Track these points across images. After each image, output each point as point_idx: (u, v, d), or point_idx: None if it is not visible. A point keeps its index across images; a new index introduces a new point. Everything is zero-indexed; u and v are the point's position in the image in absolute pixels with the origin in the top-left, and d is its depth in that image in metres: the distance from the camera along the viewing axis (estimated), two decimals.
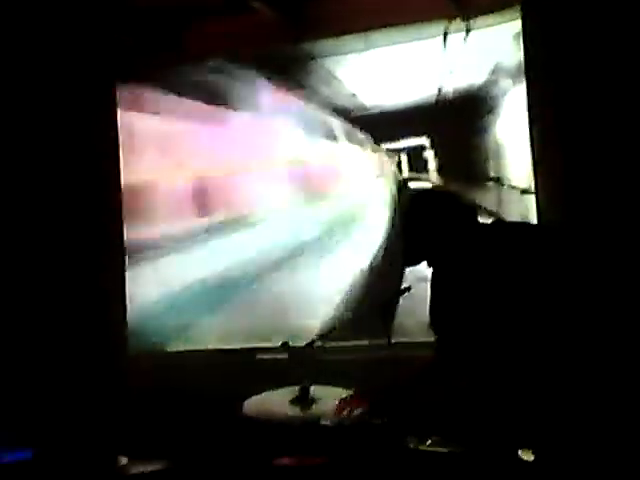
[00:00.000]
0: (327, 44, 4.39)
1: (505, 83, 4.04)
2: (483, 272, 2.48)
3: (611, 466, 2.32)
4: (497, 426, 2.50)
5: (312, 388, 3.14)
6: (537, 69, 3.97)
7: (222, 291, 4.58)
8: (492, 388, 2.51)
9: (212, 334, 4.60)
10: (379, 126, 4.28)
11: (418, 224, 2.63)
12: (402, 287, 3.40)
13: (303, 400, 3.10)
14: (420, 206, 2.66)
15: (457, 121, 4.10)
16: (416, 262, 2.71)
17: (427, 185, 4.19)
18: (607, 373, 2.40)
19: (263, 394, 3.23)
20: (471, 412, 2.67)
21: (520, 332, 2.43)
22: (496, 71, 4.06)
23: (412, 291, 3.40)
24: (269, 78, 4.49)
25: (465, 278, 2.53)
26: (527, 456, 2.46)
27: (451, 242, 2.57)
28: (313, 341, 3.29)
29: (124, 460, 3.38)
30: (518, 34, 3.97)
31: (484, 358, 2.50)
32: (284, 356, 3.34)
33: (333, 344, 4.06)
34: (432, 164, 4.17)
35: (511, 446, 2.49)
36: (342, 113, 4.33)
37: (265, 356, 4.09)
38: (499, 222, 2.70)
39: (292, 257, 4.44)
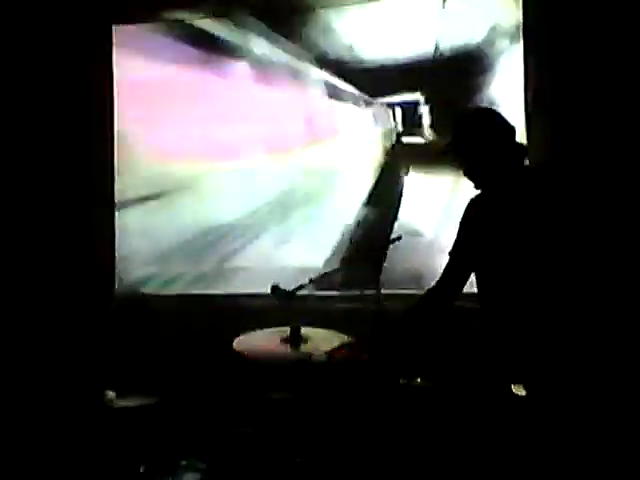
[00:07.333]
0: None
1: (502, 43, 4.06)
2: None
3: (601, 402, 2.38)
4: (490, 363, 2.54)
5: (302, 329, 3.17)
6: (535, 30, 4.00)
7: (209, 240, 4.58)
8: (492, 326, 2.54)
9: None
10: (375, 80, 4.27)
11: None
12: (392, 237, 3.43)
13: (294, 339, 3.12)
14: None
15: (453, 78, 4.11)
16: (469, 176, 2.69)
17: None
18: (598, 309, 2.45)
19: (253, 332, 3.25)
20: (463, 352, 2.71)
21: (520, 270, 2.47)
22: (494, 30, 4.07)
23: (401, 242, 3.43)
24: (266, 28, 4.46)
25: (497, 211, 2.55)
26: (519, 391, 2.51)
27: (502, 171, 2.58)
28: (302, 285, 3.29)
29: (112, 394, 3.39)
30: None
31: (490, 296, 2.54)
32: (274, 302, 3.34)
33: (322, 292, 4.09)
34: (426, 120, 4.18)
35: (504, 382, 2.54)
36: (338, 65, 4.32)
37: (255, 301, 4.09)
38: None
39: (281, 207, 4.44)
